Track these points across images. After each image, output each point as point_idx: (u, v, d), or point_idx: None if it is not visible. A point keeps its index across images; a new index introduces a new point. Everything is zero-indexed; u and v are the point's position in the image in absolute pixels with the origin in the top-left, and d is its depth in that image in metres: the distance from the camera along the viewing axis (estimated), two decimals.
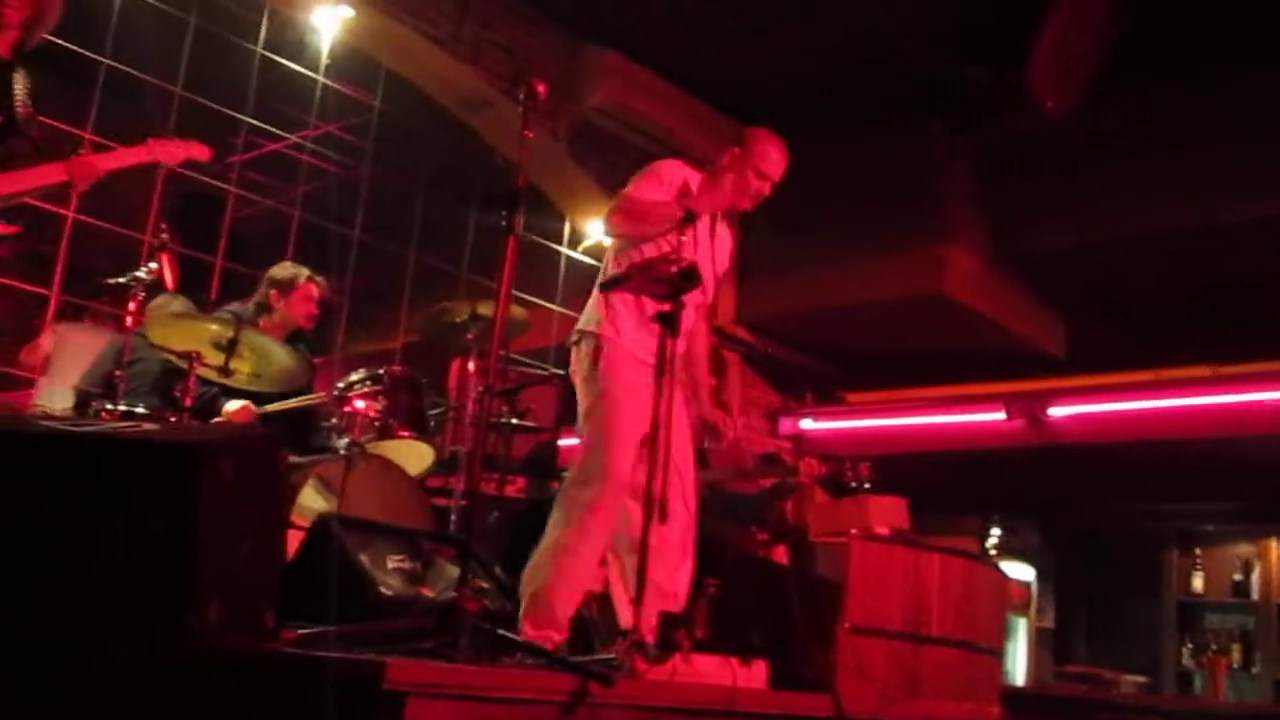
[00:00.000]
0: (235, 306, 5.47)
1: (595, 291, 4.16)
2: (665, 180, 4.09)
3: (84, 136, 5.99)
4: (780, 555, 5.60)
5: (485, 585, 3.99)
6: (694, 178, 4.16)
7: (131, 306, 4.56)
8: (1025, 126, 7.44)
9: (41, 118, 5.59)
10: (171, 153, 4.17)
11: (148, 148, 4.10)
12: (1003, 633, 6.42)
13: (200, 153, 4.25)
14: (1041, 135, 7.57)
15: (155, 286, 4.66)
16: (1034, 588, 11.27)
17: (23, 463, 2.44)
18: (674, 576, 3.92)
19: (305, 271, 5.47)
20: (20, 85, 3.75)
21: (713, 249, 4.18)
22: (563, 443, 6.55)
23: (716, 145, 8.70)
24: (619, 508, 3.91)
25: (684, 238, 3.83)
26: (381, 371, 5.09)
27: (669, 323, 3.52)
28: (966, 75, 7.10)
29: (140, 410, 4.76)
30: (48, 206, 6.74)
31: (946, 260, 8.31)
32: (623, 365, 3.99)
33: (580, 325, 4.17)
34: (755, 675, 3.54)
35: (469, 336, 5.32)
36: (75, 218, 6.65)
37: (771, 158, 4.15)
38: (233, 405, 5.05)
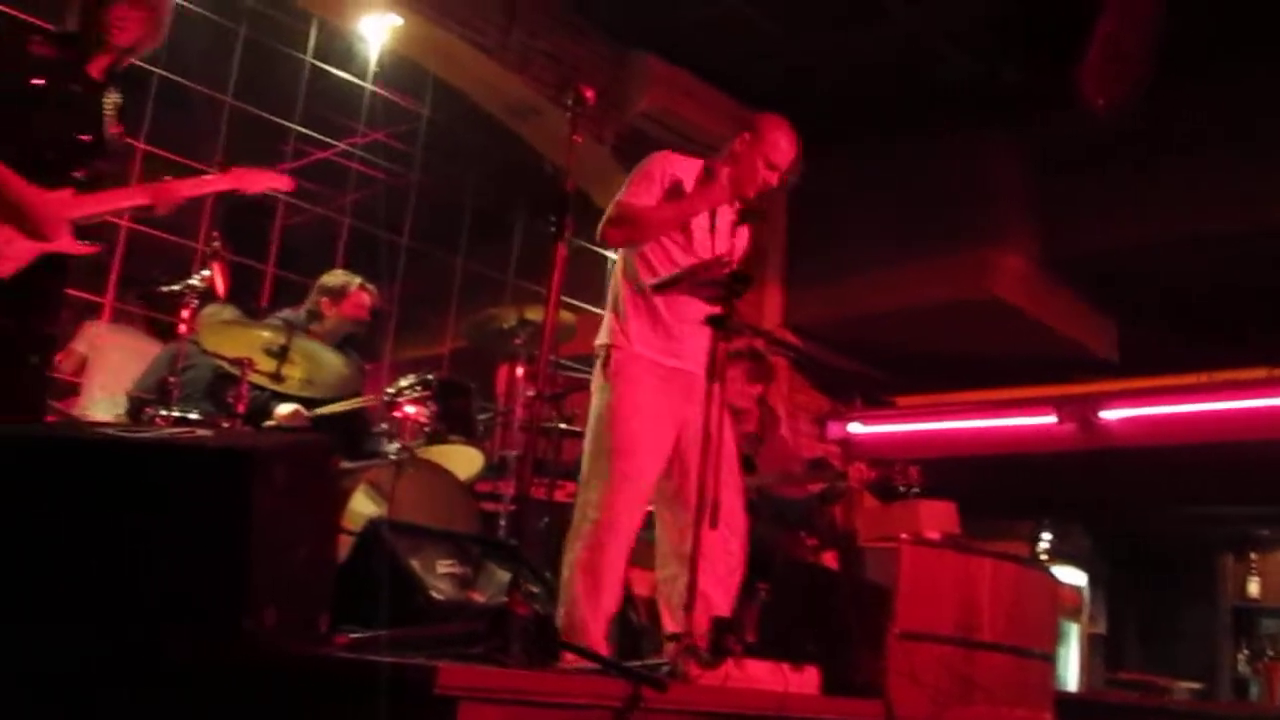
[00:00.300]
0: (287, 313, 5.51)
1: (609, 304, 4.11)
2: (656, 178, 4.00)
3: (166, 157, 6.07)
4: (830, 560, 5.58)
5: (535, 590, 3.99)
6: (689, 167, 4.09)
7: (185, 314, 4.60)
8: (1075, 125, 7.37)
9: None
10: (254, 181, 4.18)
11: (232, 176, 4.11)
12: (1055, 638, 6.35)
13: (282, 183, 4.26)
14: (1091, 134, 7.49)
15: (207, 294, 4.70)
16: (1086, 593, 11.16)
17: (81, 468, 2.47)
18: (722, 584, 3.86)
19: (356, 279, 5.50)
20: (111, 106, 3.79)
21: (731, 239, 4.12)
22: None
23: None
24: (633, 517, 3.81)
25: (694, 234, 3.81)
26: (430, 377, 5.12)
27: (721, 325, 3.50)
28: (1015, 75, 7.04)
29: (193, 416, 4.81)
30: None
31: (996, 263, 8.24)
32: (634, 372, 3.91)
33: (597, 341, 4.10)
34: (807, 681, 3.52)
35: (517, 342, 5.34)
36: (129, 226, 6.73)
37: (782, 147, 4.08)
38: (284, 409, 5.09)
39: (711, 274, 3.63)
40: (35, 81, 3.58)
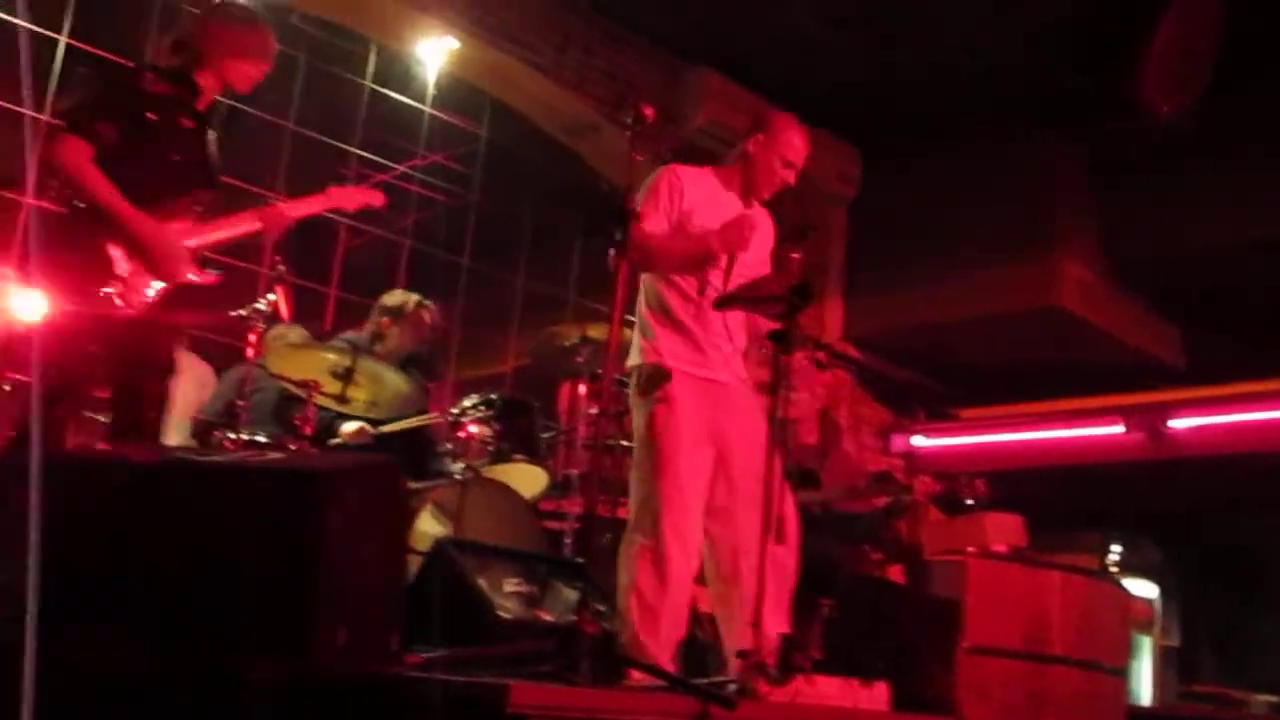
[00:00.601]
0: (351, 335, 5.56)
1: (636, 326, 4.03)
2: (663, 203, 3.90)
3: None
4: (896, 575, 5.54)
5: (602, 608, 4.00)
6: (697, 177, 4.03)
7: (251, 338, 4.66)
8: (1137, 132, 7.29)
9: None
10: (352, 198, 4.27)
11: (329, 196, 4.20)
12: (1126, 652, 6.25)
13: (376, 199, 4.35)
14: (1155, 140, 7.40)
15: (273, 318, 4.76)
16: (1157, 605, 11.00)
17: (156, 492, 2.52)
18: (773, 599, 3.79)
19: (415, 298, 5.54)
20: (212, 140, 3.90)
21: (763, 252, 4.05)
22: None
23: (821, 163, 8.78)
24: (685, 536, 3.72)
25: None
26: (494, 396, 5.15)
27: (783, 340, 3.48)
28: (1077, 82, 6.97)
29: (261, 439, 4.87)
30: None
31: (1060, 271, 8.17)
32: (668, 387, 3.82)
33: (628, 363, 4.02)
34: (877, 697, 3.49)
35: (579, 360, 5.35)
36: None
37: (796, 145, 4.02)
38: (349, 427, 5.14)
39: (771, 290, 3.61)
40: (150, 117, 3.67)
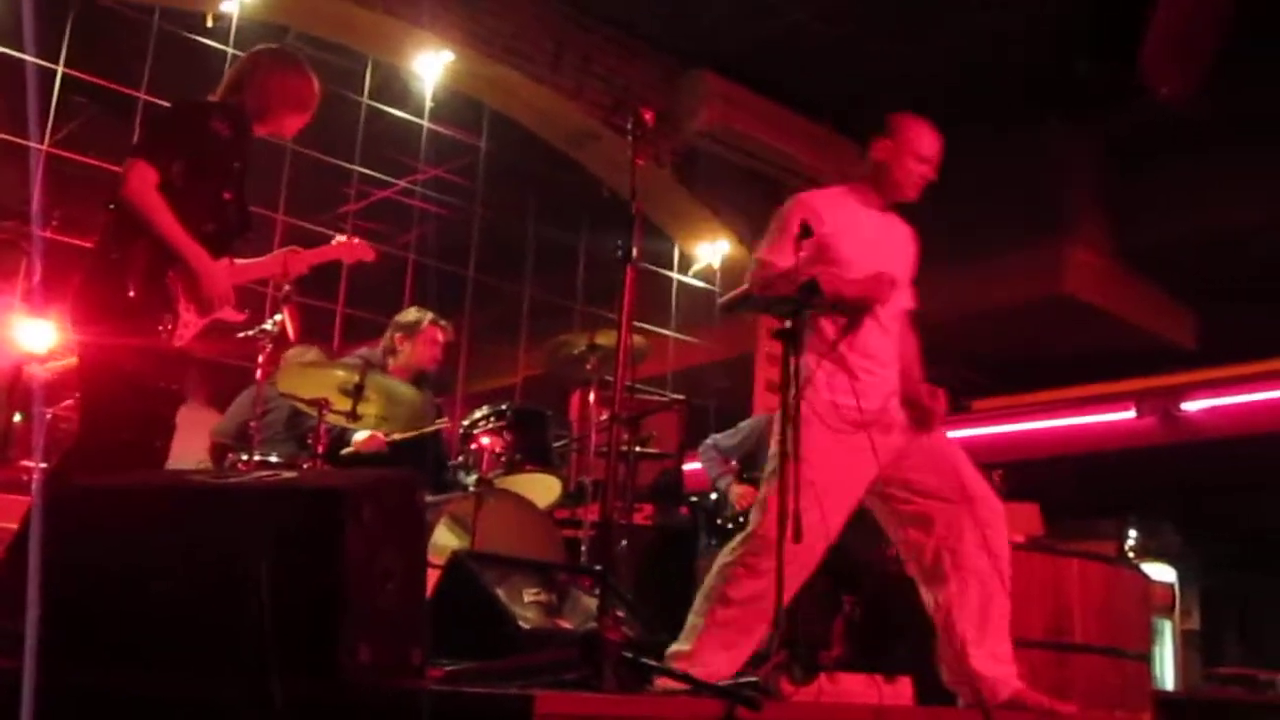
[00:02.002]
0: (364, 351, 5.57)
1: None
2: (787, 230, 3.71)
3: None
4: None
5: (622, 614, 3.99)
6: (827, 200, 3.89)
7: (260, 359, 4.68)
8: (1145, 115, 7.27)
9: None
10: (353, 251, 4.36)
11: (335, 248, 4.31)
12: (1149, 637, 6.24)
13: (367, 254, 4.42)
14: (1162, 122, 7.38)
15: (281, 338, 4.77)
16: (1177, 589, 10.97)
17: (176, 516, 2.52)
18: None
19: (429, 315, 5.55)
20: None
21: (894, 247, 4.00)
22: (687, 467, 6.54)
23: (825, 159, 8.78)
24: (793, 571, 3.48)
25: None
26: (505, 407, 5.15)
27: (792, 340, 3.47)
28: (1080, 68, 6.95)
29: (274, 459, 4.88)
30: None
31: (1068, 259, 8.16)
32: (815, 427, 3.60)
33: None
34: (901, 692, 3.48)
35: (588, 367, 5.34)
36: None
37: (927, 139, 3.92)
38: (361, 435, 5.14)
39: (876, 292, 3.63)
40: (213, 158, 3.74)
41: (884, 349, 3.88)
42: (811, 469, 3.44)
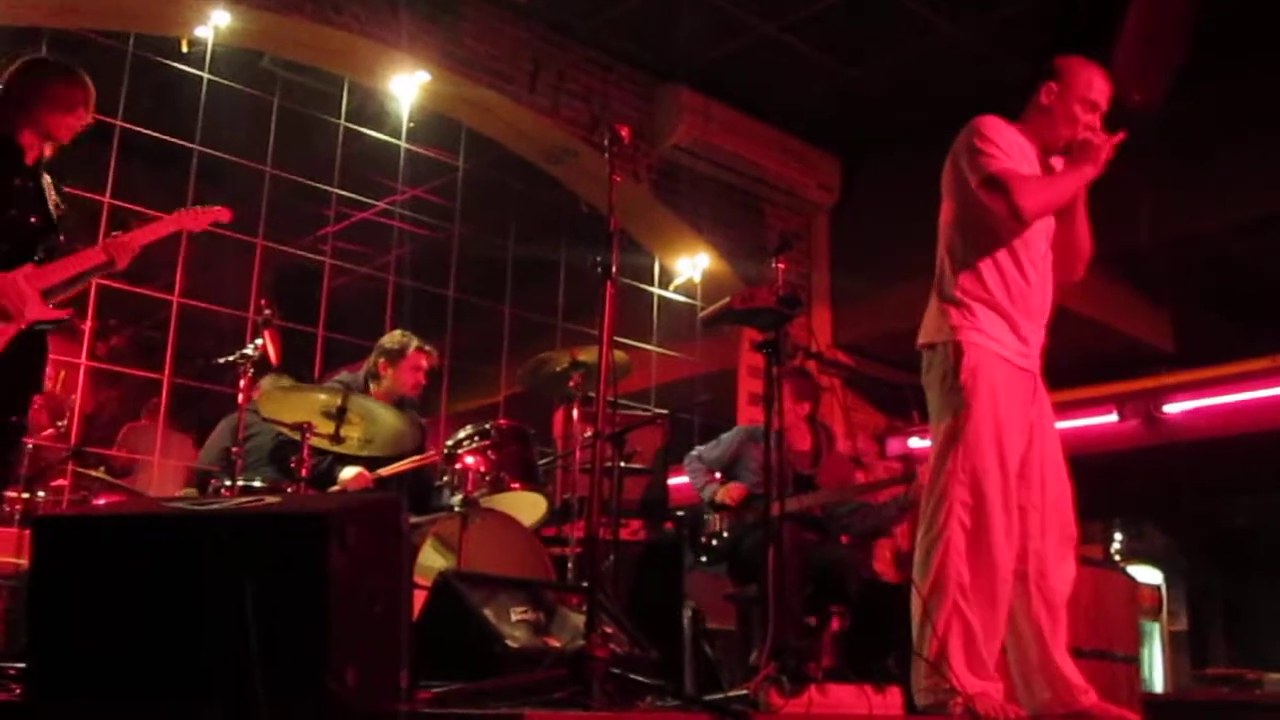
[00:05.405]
0: (345, 376, 5.56)
1: (934, 299, 3.75)
2: (1003, 144, 3.59)
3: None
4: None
5: (611, 630, 3.98)
6: (1007, 130, 3.73)
7: (241, 384, 4.67)
8: (1116, 119, 7.29)
9: (135, 206, 5.87)
10: (197, 219, 4.38)
11: (176, 218, 4.31)
12: (1136, 639, 6.25)
13: (222, 215, 4.44)
14: (1134, 126, 7.40)
15: (262, 362, 4.76)
16: (1163, 591, 11.00)
17: (158, 545, 2.51)
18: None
19: (414, 341, 5.52)
20: (48, 186, 4.01)
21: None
22: (671, 481, 6.53)
23: (801, 171, 8.81)
24: (1009, 550, 3.47)
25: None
26: (488, 426, 5.14)
27: (772, 351, 3.47)
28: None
29: (258, 484, 4.86)
30: (153, 293, 6.98)
31: None
32: (990, 375, 3.51)
33: (926, 338, 3.74)
34: (891, 702, 3.48)
35: (571, 384, 5.34)
36: (180, 302, 6.84)
37: (1095, 84, 3.69)
38: (349, 472, 5.12)
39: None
40: None
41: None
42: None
